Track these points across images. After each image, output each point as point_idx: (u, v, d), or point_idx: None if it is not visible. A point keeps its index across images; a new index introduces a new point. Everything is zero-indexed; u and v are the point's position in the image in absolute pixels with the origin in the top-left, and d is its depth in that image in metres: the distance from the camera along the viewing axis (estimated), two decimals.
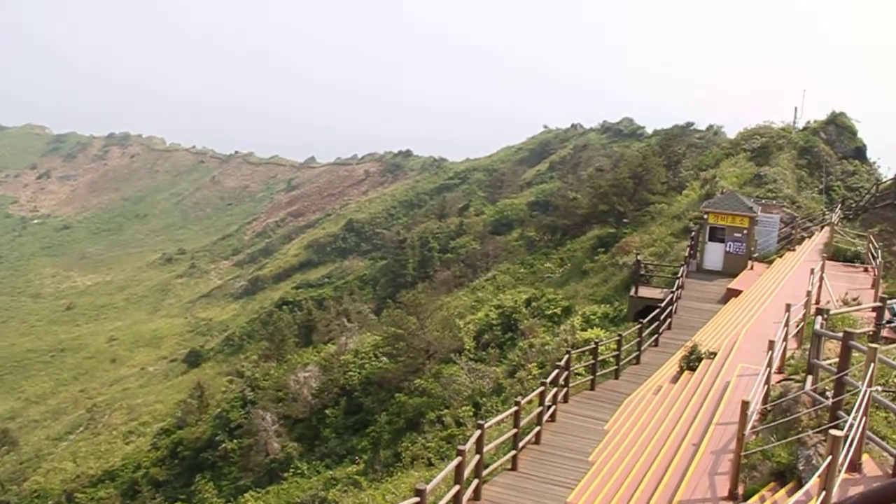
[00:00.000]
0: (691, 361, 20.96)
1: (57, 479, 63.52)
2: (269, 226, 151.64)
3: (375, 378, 41.64)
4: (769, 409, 13.72)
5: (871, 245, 30.35)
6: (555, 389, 19.12)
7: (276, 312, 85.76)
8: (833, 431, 8.76)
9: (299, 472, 37.62)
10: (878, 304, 18.14)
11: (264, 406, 43.47)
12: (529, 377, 29.56)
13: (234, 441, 43.81)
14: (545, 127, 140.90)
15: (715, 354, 20.51)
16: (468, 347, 39.61)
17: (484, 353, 38.55)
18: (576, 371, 22.55)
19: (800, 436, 11.60)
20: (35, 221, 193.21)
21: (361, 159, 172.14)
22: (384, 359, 42.93)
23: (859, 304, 20.48)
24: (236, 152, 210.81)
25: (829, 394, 12.00)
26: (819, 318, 13.93)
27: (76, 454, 69.11)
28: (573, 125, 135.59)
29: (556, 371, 19.24)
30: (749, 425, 11.78)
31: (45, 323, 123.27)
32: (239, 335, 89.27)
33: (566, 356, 20.72)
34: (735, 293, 30.49)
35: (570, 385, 21.29)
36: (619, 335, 24.27)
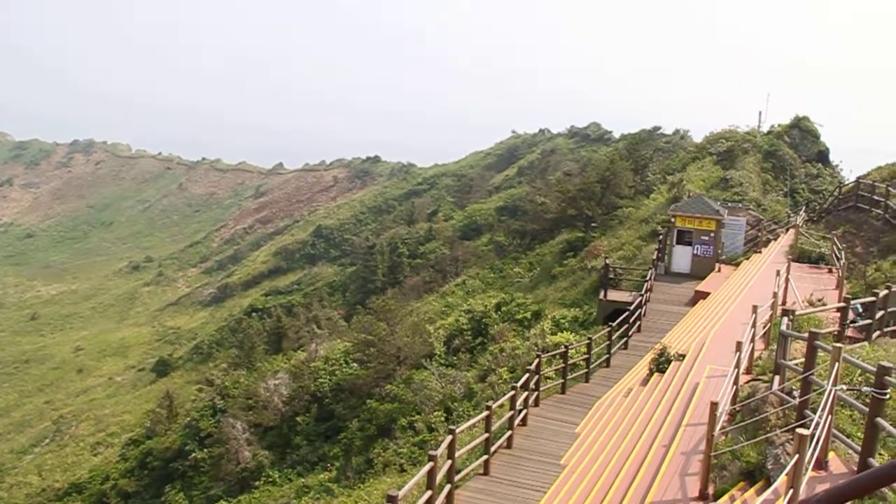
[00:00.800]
0: (661, 364, 21.14)
1: (21, 494, 62.46)
2: (237, 233, 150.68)
3: (346, 385, 41.53)
4: (738, 409, 13.88)
5: (834, 247, 30.82)
6: (525, 393, 19.18)
7: (245, 320, 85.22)
8: (800, 430, 8.90)
9: (271, 480, 37.42)
10: (843, 304, 18.41)
11: (235, 414, 43.15)
12: (500, 381, 29.66)
13: (205, 450, 43.43)
14: (513, 132, 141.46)
15: (684, 356, 20.72)
16: (439, 353, 39.63)
17: (455, 358, 38.60)
18: (546, 375, 22.65)
19: (768, 435, 11.75)
20: None
21: (330, 165, 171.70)
22: (355, 365, 42.84)
23: (824, 304, 20.79)
24: (203, 159, 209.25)
25: (796, 393, 12.17)
26: (785, 319, 14.12)
27: (42, 467, 68.00)
28: (541, 130, 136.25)
29: (526, 375, 19.31)
30: (718, 426, 11.91)
31: (8, 333, 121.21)
32: (208, 343, 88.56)
33: (536, 360, 20.84)
34: (703, 295, 30.81)
35: (541, 389, 21.41)
36: (589, 338, 24.41)
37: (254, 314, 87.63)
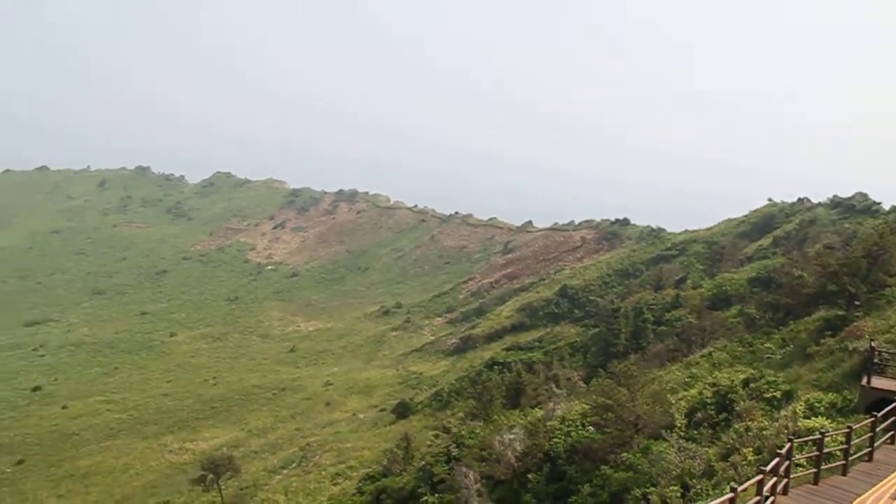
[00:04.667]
0: None
1: None
2: (483, 286, 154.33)
3: (580, 447, 40.90)
4: None
5: None
6: (773, 479, 17.95)
7: (485, 372, 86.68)
8: None
9: None
10: None
11: (468, 464, 43.79)
12: (744, 463, 27.92)
13: (436, 495, 44.37)
14: (770, 200, 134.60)
15: None
16: (679, 425, 38.06)
17: (695, 432, 36.88)
18: (797, 461, 21.07)
19: None
20: (269, 268, 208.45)
21: (578, 226, 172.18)
22: (591, 428, 42.14)
23: None
24: (456, 213, 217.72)
25: None
26: None
27: (288, 488, 72.81)
28: (800, 199, 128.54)
29: (776, 459, 18.08)
30: None
31: (270, 362, 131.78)
32: (447, 391, 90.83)
33: (788, 444, 19.44)
34: None
35: (791, 476, 19.91)
36: (849, 427, 22.43)
37: (494, 367, 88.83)
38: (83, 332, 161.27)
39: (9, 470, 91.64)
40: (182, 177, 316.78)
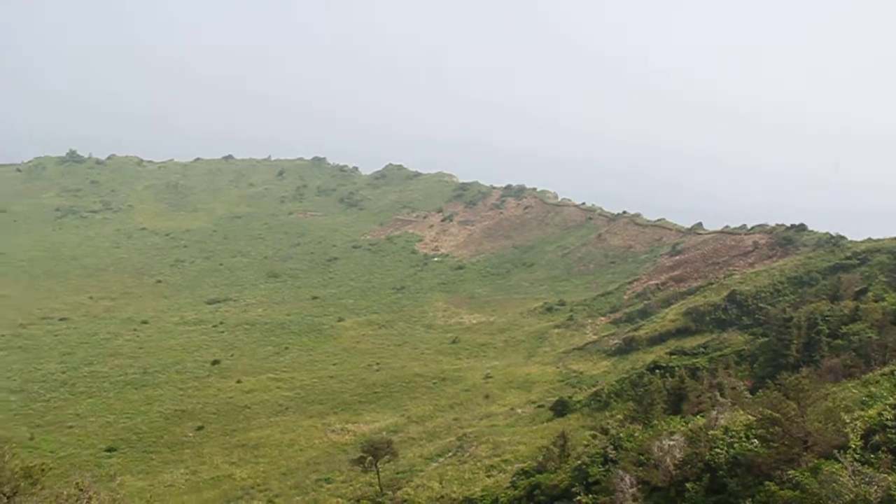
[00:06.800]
0: None
1: (424, 496, 68.92)
2: (649, 287, 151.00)
3: (744, 460, 39.25)
4: None
5: None
6: None
7: (647, 375, 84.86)
8: None
9: None
10: None
11: (624, 467, 43.04)
12: None
13: (590, 496, 43.87)
14: None
15: None
16: (853, 446, 35.82)
17: (873, 455, 34.64)
18: None
19: None
20: (435, 259, 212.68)
21: (750, 230, 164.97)
22: (755, 441, 40.39)
23: None
24: (624, 212, 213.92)
25: None
26: None
27: (443, 476, 74.08)
28: None
29: None
30: None
31: (432, 352, 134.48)
32: (607, 392, 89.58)
33: None
34: None
35: None
36: None
37: (656, 371, 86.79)
38: (258, 312, 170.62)
39: (190, 434, 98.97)
40: (355, 168, 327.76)
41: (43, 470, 23.23)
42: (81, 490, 23.16)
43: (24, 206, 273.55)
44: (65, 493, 23.00)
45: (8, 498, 21.48)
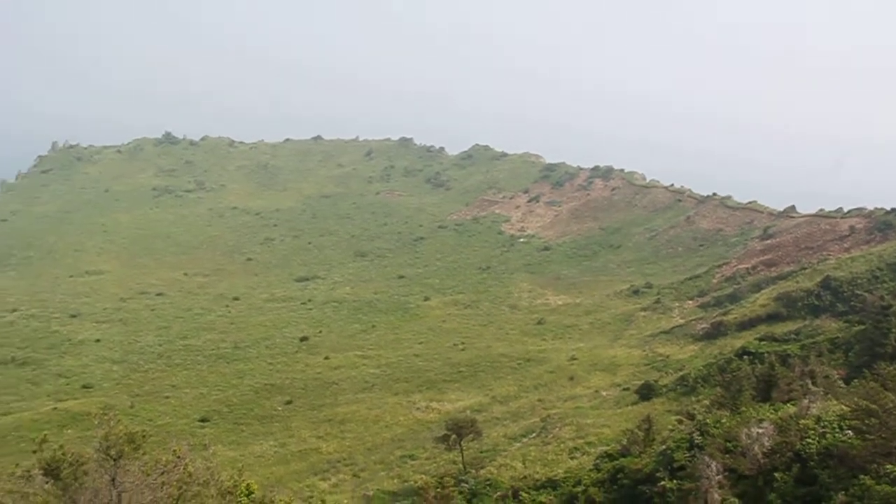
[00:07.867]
0: None
1: (507, 475, 69.41)
2: (739, 272, 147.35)
3: (836, 451, 38.25)
4: None
5: None
6: None
7: (735, 361, 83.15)
8: None
9: None
10: None
11: (711, 454, 42.43)
12: None
13: (675, 482, 43.44)
14: None
15: None
16: None
17: None
18: None
19: None
20: (521, 240, 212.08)
21: (847, 213, 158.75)
22: (849, 432, 39.30)
23: None
24: (714, 194, 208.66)
25: None
26: None
27: (526, 456, 74.38)
28: None
29: None
30: None
31: (517, 333, 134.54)
32: (694, 377, 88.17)
33: None
34: None
35: None
36: None
37: (745, 357, 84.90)
38: (346, 291, 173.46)
39: (279, 408, 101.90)
40: (442, 149, 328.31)
41: (144, 436, 24.45)
42: (179, 457, 24.28)
43: (125, 185, 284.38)
44: (163, 459, 24.16)
45: (114, 461, 22.75)
